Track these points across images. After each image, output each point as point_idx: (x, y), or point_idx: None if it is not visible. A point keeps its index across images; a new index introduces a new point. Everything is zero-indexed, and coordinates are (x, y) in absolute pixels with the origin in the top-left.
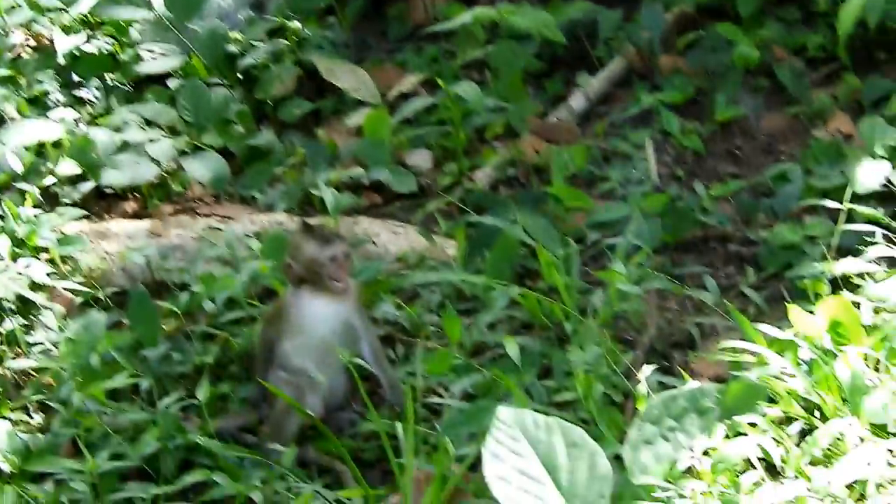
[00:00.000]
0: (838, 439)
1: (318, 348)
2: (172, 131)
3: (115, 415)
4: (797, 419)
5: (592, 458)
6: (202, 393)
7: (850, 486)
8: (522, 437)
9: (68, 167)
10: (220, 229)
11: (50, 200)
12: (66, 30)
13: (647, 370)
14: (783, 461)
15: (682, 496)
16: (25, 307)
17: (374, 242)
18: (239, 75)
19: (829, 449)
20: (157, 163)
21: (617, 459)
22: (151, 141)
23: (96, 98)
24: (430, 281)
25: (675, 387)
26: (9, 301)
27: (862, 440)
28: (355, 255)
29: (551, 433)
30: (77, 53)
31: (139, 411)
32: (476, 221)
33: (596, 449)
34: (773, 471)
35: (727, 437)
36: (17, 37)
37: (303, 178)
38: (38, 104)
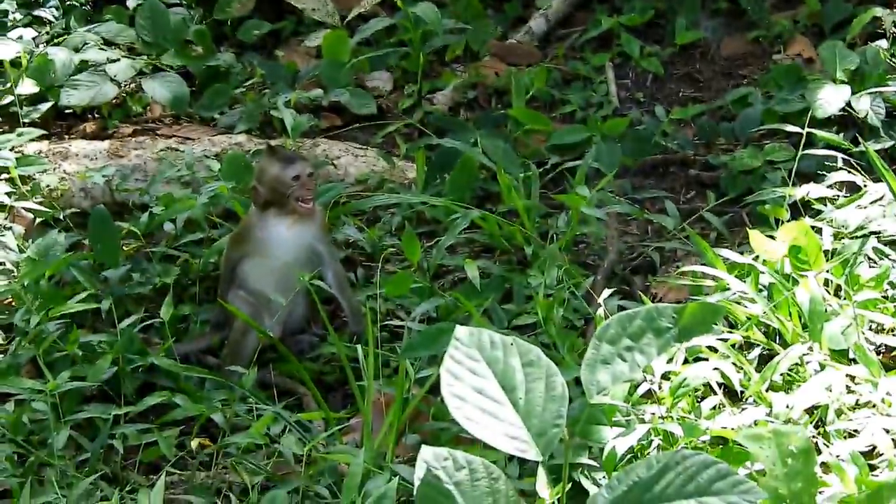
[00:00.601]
0: (798, 365)
1: (280, 271)
2: (131, 51)
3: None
4: (757, 344)
5: (549, 377)
6: (165, 312)
7: (809, 412)
8: (480, 357)
9: (27, 87)
10: (179, 150)
11: (9, 120)
12: None
13: (606, 294)
14: (743, 386)
15: (641, 420)
16: None
17: (334, 164)
18: None
19: (788, 374)
20: (117, 83)
21: (577, 383)
22: (110, 61)
23: (55, 17)
24: (390, 203)
25: None
26: None
27: (822, 366)
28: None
29: (508, 353)
30: None
31: (99, 333)
32: (436, 144)
33: (553, 369)
34: (732, 396)
35: (686, 361)
36: None
37: (262, 100)
38: None
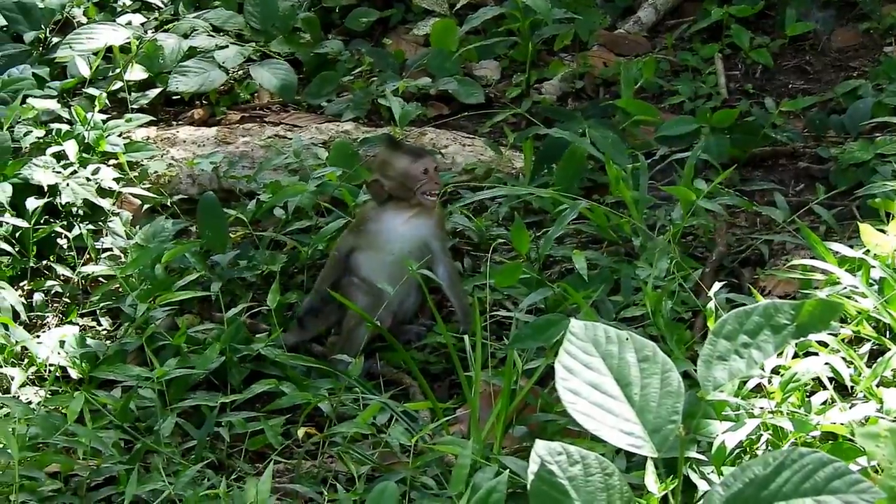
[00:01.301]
0: None
1: (393, 264)
2: (240, 38)
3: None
4: (868, 339)
5: (665, 372)
6: (272, 299)
7: None
8: (595, 352)
9: (136, 73)
10: (287, 138)
11: (118, 106)
12: None
13: (716, 287)
14: (853, 381)
15: (751, 415)
16: (93, 213)
17: (441, 154)
18: None
19: None
20: (225, 70)
21: (685, 377)
22: (219, 48)
23: (164, 3)
24: (498, 194)
25: (744, 304)
26: (77, 206)
27: None
28: None
29: (623, 347)
30: None
31: (207, 322)
32: (544, 134)
33: (668, 364)
34: (843, 391)
35: (797, 356)
36: None
37: (370, 88)
38: (106, 9)
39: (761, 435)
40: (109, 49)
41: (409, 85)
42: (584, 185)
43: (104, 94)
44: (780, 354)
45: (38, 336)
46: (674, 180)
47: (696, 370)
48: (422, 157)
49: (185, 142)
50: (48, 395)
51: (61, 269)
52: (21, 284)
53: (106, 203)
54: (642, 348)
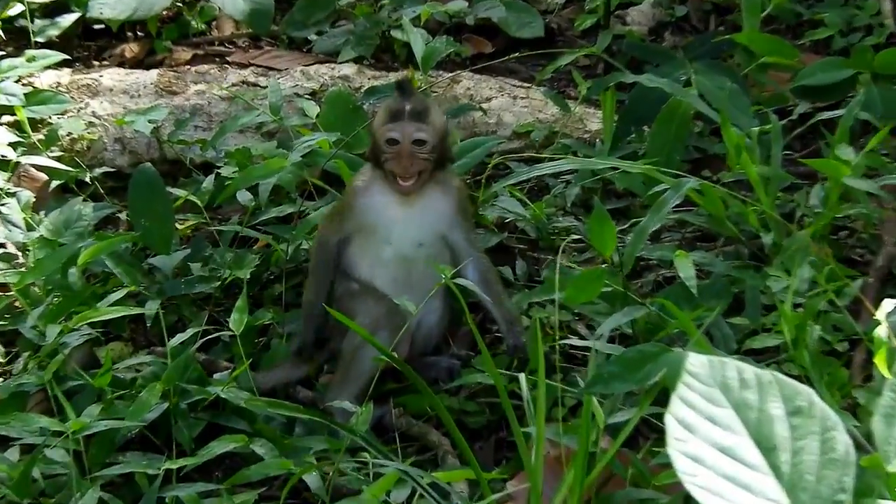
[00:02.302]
0: None
1: (397, 262)
2: None
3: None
4: None
5: (826, 432)
6: (237, 321)
7: None
8: (724, 399)
9: None
10: (259, 86)
11: (15, 39)
12: None
13: (887, 305)
14: None
15: None
16: None
17: (482, 110)
18: None
19: None
20: None
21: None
22: None
23: None
24: (566, 168)
25: None
26: None
27: None
28: (454, 129)
29: (766, 395)
30: None
31: (142, 353)
32: (630, 83)
33: (831, 419)
34: None
35: None
36: None
37: (378, 15)
38: None
39: None
40: None
41: (436, 11)
42: (688, 157)
43: None
44: None
45: None
46: (819, 150)
47: (860, 426)
48: (398, 118)
49: (111, 90)
50: None
51: None
52: None
53: None
54: (793, 396)
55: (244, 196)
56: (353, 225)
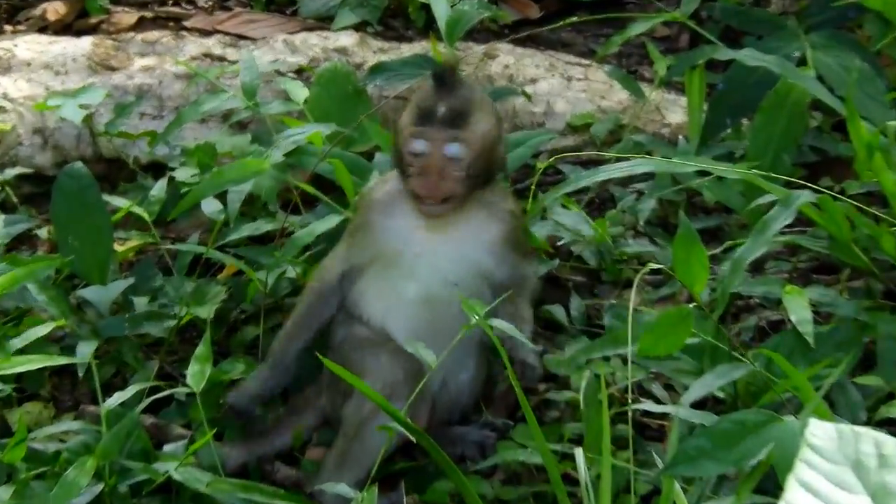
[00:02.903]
0: None
1: (423, 304)
2: None
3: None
4: None
5: None
6: (195, 377)
7: None
8: (857, 483)
9: None
10: (228, 60)
11: None
12: None
13: None
14: None
15: None
16: None
17: (525, 94)
18: None
19: None
20: None
21: None
22: None
23: None
24: (638, 172)
25: None
26: None
27: None
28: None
29: None
30: None
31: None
32: (726, 60)
33: None
34: None
35: None
36: None
37: None
38: None
39: None
40: None
41: None
42: (802, 161)
43: None
44: None
45: None
46: None
47: None
48: (428, 120)
49: (29, 65)
50: None
51: None
52: None
53: None
54: None
55: (208, 208)
56: (365, 252)
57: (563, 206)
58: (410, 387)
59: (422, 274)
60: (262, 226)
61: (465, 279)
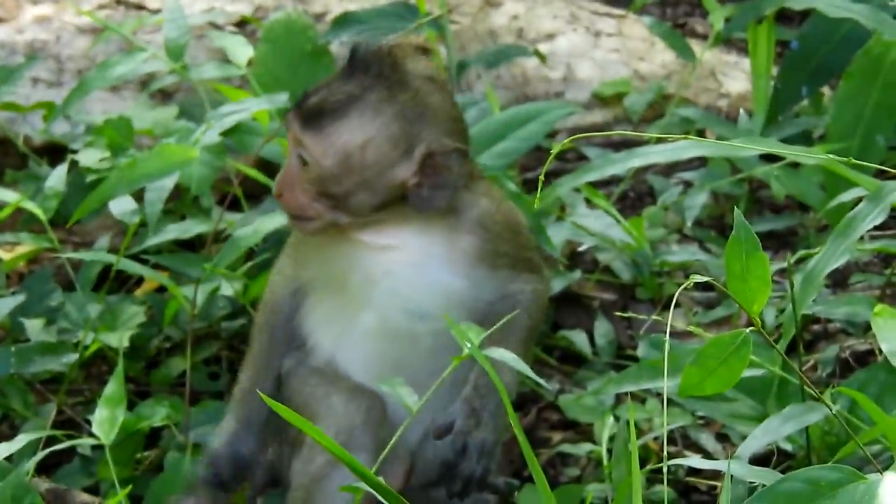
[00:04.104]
0: None
1: (390, 344)
2: None
3: None
4: None
5: None
6: (103, 426)
7: None
8: None
9: None
10: (147, 8)
11: None
12: None
13: None
14: None
15: None
16: None
17: (538, 54)
18: None
19: None
20: None
21: None
22: None
23: None
24: (686, 157)
25: None
26: None
27: None
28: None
29: None
30: None
31: None
32: (801, 10)
33: None
34: None
35: None
36: None
37: None
38: None
39: None
40: None
41: None
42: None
43: None
44: None
45: None
46: None
47: None
48: (296, 110)
49: None
50: None
51: None
52: None
53: None
54: None
55: (122, 205)
56: (308, 271)
57: (587, 202)
58: (373, 435)
59: (378, 302)
60: (192, 227)
61: (433, 308)
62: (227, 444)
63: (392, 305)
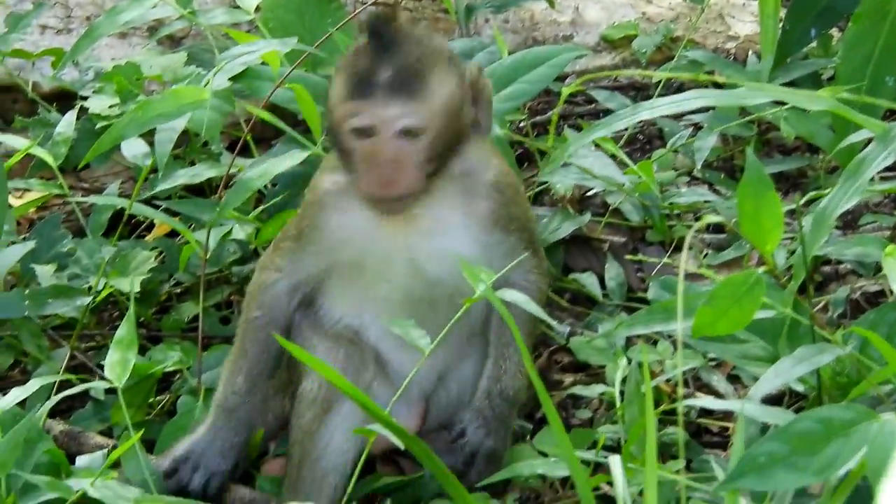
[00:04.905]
0: None
1: (411, 310)
2: None
3: None
4: None
5: None
6: (115, 369)
7: None
8: None
9: None
10: None
11: None
12: None
13: None
14: None
15: None
16: None
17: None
18: None
19: None
20: None
21: None
22: None
23: None
24: (692, 103)
25: None
26: None
27: None
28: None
29: None
30: None
31: None
32: None
33: None
34: None
35: None
36: None
37: None
38: None
39: None
40: None
41: None
42: None
43: None
44: None
45: None
46: None
47: None
48: (368, 91)
49: None
50: None
51: None
52: None
53: None
54: None
55: (131, 150)
56: (318, 261)
57: (597, 147)
58: (378, 386)
59: (396, 275)
60: (202, 172)
61: (450, 275)
62: (204, 435)
63: (411, 278)
